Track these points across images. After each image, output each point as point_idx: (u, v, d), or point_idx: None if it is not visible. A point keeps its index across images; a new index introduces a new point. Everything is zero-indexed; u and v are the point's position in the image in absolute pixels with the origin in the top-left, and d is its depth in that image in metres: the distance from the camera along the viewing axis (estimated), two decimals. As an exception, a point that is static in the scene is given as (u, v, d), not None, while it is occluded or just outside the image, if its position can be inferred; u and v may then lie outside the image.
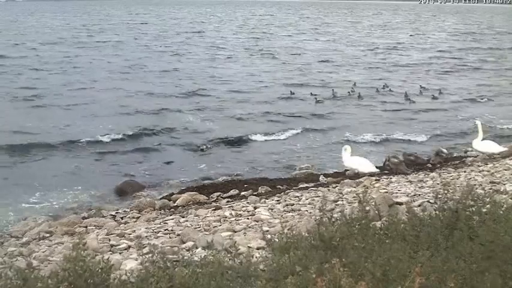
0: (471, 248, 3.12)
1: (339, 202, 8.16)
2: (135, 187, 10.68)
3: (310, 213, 7.48)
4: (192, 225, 7.56)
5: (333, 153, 12.99)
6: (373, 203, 5.10)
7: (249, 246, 5.41)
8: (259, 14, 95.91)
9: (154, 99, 19.90)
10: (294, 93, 21.22)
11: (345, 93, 21.20)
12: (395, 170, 10.80)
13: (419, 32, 57.55)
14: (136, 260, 5.62)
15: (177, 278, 2.90)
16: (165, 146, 13.80)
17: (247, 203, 8.80)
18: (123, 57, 31.68)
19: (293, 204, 8.36)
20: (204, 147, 13.75)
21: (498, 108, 19.22)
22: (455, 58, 34.45)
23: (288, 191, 9.67)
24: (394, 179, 10.07)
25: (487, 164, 10.80)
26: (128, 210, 9.36)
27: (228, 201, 9.25)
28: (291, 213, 7.81)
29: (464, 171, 10.21)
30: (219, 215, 8.04)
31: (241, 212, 8.16)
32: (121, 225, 8.23)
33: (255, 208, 8.32)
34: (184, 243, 6.50)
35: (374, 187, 9.22)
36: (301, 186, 10.15)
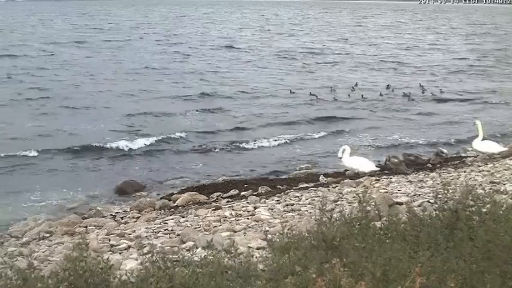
0: (471, 248, 3.12)
1: (339, 202, 8.16)
2: (135, 187, 10.68)
3: (310, 213, 7.48)
4: (192, 225, 7.56)
5: (333, 153, 12.97)
6: (373, 203, 5.11)
7: (249, 246, 5.41)
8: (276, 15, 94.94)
9: (156, 99, 19.88)
10: (294, 93, 21.23)
11: (345, 94, 21.19)
12: (395, 170, 10.79)
13: (435, 32, 57.37)
14: (136, 260, 5.63)
15: (177, 278, 2.90)
16: (165, 146, 13.79)
17: (247, 203, 8.80)
18: (131, 58, 31.61)
19: (293, 204, 8.36)
20: (205, 147, 13.74)
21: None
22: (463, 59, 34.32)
23: (288, 191, 9.66)
24: (394, 179, 10.07)
25: (487, 164, 10.80)
26: (128, 210, 9.36)
27: (228, 201, 9.25)
28: (291, 213, 7.81)
29: (464, 171, 10.21)
30: (219, 215, 8.04)
31: (241, 212, 8.16)
32: (121, 225, 8.23)
33: (255, 208, 8.32)
34: (184, 243, 6.50)
35: (374, 187, 9.22)
36: (301, 186, 10.15)
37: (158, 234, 7.25)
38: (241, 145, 14.08)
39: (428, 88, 22.64)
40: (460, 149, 13.67)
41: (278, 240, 3.38)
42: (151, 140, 14.35)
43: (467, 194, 3.62)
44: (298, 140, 14.77)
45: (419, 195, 8.24)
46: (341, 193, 8.92)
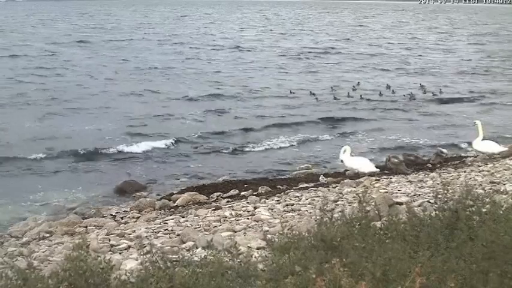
0: (471, 248, 3.12)
1: (339, 202, 8.15)
2: (135, 187, 10.68)
3: (310, 213, 7.48)
4: (192, 225, 7.56)
5: (333, 153, 12.98)
6: (373, 203, 5.11)
7: (249, 246, 5.41)
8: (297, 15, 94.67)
9: (158, 100, 19.89)
10: (293, 93, 21.23)
11: (346, 94, 21.20)
12: (395, 170, 10.79)
13: (437, 32, 57.24)
14: (136, 260, 5.62)
15: (177, 278, 2.90)
16: (165, 146, 13.79)
17: (247, 203, 8.80)
18: (134, 58, 31.57)
19: (293, 204, 8.36)
20: (205, 147, 13.74)
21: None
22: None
23: (288, 191, 9.66)
24: (394, 179, 10.06)
25: (487, 164, 10.80)
26: (128, 210, 9.36)
27: (228, 201, 9.25)
28: (291, 213, 7.80)
29: (464, 171, 10.21)
30: (219, 215, 8.04)
31: (241, 212, 8.16)
32: (121, 225, 8.23)
33: (255, 208, 8.32)
34: (184, 243, 6.50)
35: (374, 187, 9.22)
36: (301, 186, 10.15)
37: (158, 234, 7.25)
38: (241, 145, 14.08)
39: (429, 88, 22.63)
40: (460, 149, 13.67)
41: (278, 240, 3.38)
42: (152, 140, 14.36)
43: (467, 194, 3.62)
44: (298, 140, 14.76)
45: (419, 195, 8.24)
46: (341, 193, 8.92)
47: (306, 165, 12.12)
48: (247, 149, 13.79)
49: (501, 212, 3.47)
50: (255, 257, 3.45)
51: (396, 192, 8.58)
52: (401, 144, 14.45)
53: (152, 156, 12.99)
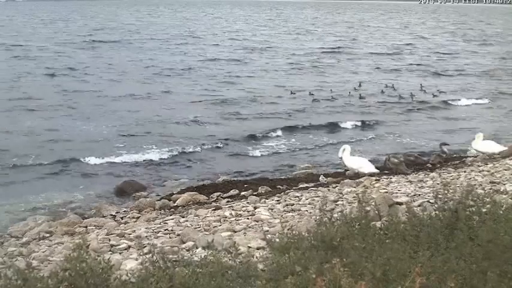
0: (471, 248, 3.12)
1: (339, 202, 8.15)
2: (135, 187, 10.67)
3: (310, 213, 7.47)
4: (192, 225, 7.56)
5: (333, 153, 12.98)
6: (373, 203, 5.11)
7: (249, 246, 5.41)
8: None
9: (158, 100, 19.89)
10: (294, 93, 21.23)
11: (347, 94, 21.21)
12: (395, 170, 10.79)
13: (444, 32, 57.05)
14: (136, 260, 5.62)
15: (177, 278, 2.90)
16: (165, 146, 13.79)
17: (247, 203, 8.79)
18: (139, 58, 31.58)
19: (293, 204, 8.36)
20: (205, 147, 13.74)
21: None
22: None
23: (288, 191, 9.65)
24: (394, 179, 10.06)
25: (487, 164, 10.79)
26: (128, 210, 9.35)
27: (228, 201, 9.24)
28: (291, 213, 7.80)
29: (464, 171, 10.20)
30: (219, 215, 8.03)
31: (241, 212, 8.16)
32: (121, 225, 8.23)
33: (255, 208, 8.31)
34: (184, 243, 6.50)
35: (374, 187, 9.22)
36: (301, 186, 10.14)
37: (158, 234, 7.24)
38: (241, 145, 14.08)
39: (430, 89, 22.63)
40: (460, 149, 13.67)
41: (278, 240, 3.38)
42: (152, 140, 14.37)
43: (467, 194, 3.62)
44: (298, 140, 14.78)
45: (419, 195, 8.23)
46: (341, 193, 8.91)
47: (306, 165, 12.12)
48: (247, 149, 13.79)
49: (501, 212, 3.47)
50: (255, 257, 3.45)
51: (396, 192, 8.58)
52: (402, 144, 14.46)
53: (152, 156, 12.98)
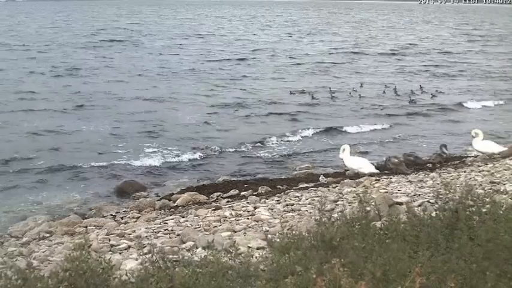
0: (471, 248, 3.12)
1: (339, 202, 8.15)
2: (135, 187, 10.67)
3: (310, 213, 7.47)
4: (192, 225, 7.56)
5: (332, 153, 12.99)
6: (373, 203, 5.11)
7: (249, 246, 5.41)
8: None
9: (158, 100, 19.88)
10: (293, 93, 21.23)
11: (348, 94, 21.21)
12: (395, 170, 10.79)
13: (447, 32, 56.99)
14: (136, 260, 5.62)
15: (177, 278, 2.90)
16: (165, 146, 13.79)
17: (247, 203, 8.79)
18: (141, 60, 31.50)
19: (293, 204, 8.36)
20: (205, 147, 13.74)
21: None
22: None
23: (288, 191, 9.66)
24: (394, 179, 10.06)
25: (487, 164, 10.79)
26: (128, 210, 9.36)
27: (228, 201, 9.24)
28: (291, 213, 7.80)
29: (464, 171, 10.20)
30: (219, 215, 8.03)
31: (241, 212, 8.16)
32: (121, 225, 8.23)
33: (255, 208, 8.32)
34: (184, 243, 6.50)
35: (374, 187, 9.22)
36: (301, 186, 10.14)
37: (158, 234, 7.25)
38: (241, 145, 14.07)
39: (430, 90, 22.62)
40: (460, 149, 13.66)
41: (278, 240, 3.38)
42: (152, 140, 14.38)
43: (468, 194, 3.63)
44: (298, 140, 14.78)
45: (419, 195, 8.23)
46: (341, 193, 8.91)
47: (306, 165, 12.12)
48: (247, 149, 13.78)
49: (501, 212, 3.47)
50: (255, 257, 3.45)
51: (396, 192, 8.58)
52: (402, 144, 14.45)
53: (152, 156, 12.98)
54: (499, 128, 15.88)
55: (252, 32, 54.52)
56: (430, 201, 6.53)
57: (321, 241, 3.24)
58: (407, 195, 8.22)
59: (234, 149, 13.71)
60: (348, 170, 10.91)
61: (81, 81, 23.56)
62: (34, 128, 15.32)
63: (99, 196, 10.36)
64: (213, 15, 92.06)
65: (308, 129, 15.96)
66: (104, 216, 8.92)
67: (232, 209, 8.36)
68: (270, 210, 8.12)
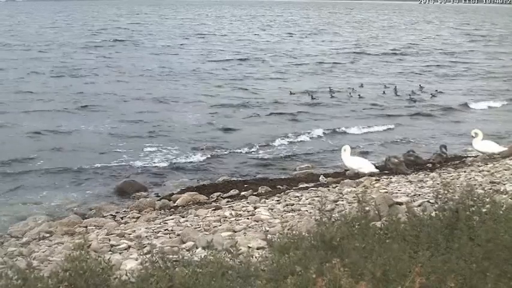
0: (471, 248, 3.12)
1: (339, 202, 8.15)
2: (135, 187, 10.67)
3: (310, 213, 7.47)
4: (192, 225, 7.56)
5: (332, 153, 12.99)
6: (373, 203, 5.11)
7: (249, 246, 5.41)
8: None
9: (158, 100, 19.87)
10: (293, 94, 21.24)
11: (345, 94, 21.20)
12: (395, 170, 10.79)
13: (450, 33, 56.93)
14: (136, 260, 5.62)
15: (177, 278, 2.90)
16: (165, 146, 13.79)
17: (247, 203, 8.79)
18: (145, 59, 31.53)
19: (293, 204, 8.36)
20: (204, 147, 13.74)
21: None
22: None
23: (288, 191, 9.66)
24: (394, 179, 10.06)
25: (487, 164, 10.80)
26: (128, 210, 9.36)
27: (228, 201, 9.25)
28: (291, 213, 7.80)
29: (464, 171, 10.21)
30: (219, 215, 8.04)
31: (241, 212, 8.16)
32: (121, 225, 8.23)
33: (255, 208, 8.32)
34: (184, 243, 6.50)
35: (374, 187, 9.22)
36: (301, 186, 10.15)
37: (158, 234, 7.25)
38: (241, 145, 14.08)
39: (429, 89, 22.63)
40: (460, 149, 13.66)
41: (278, 240, 3.38)
42: (152, 140, 14.38)
43: (468, 194, 3.62)
44: (298, 140, 14.78)
45: (419, 195, 8.24)
46: (341, 193, 8.91)
47: (306, 165, 12.12)
48: (247, 149, 13.78)
49: (501, 212, 3.47)
50: (255, 257, 3.45)
51: (396, 192, 8.58)
52: (401, 144, 14.45)
53: (152, 157, 12.99)
54: (499, 128, 15.88)
55: (253, 32, 54.51)
56: (430, 201, 6.53)
57: (321, 241, 3.24)
58: (407, 195, 8.22)
59: (234, 149, 13.71)
60: (348, 170, 10.91)
61: (81, 82, 23.56)
62: (34, 128, 15.31)
63: (99, 196, 10.36)
64: (213, 15, 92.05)
65: (308, 129, 15.96)
66: (104, 216, 8.92)
67: (232, 209, 8.36)
68: (270, 210, 8.12)
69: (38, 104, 18.77)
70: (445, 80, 26.35)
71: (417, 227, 3.52)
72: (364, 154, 12.85)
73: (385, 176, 10.36)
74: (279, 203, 8.56)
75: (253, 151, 13.66)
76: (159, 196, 10.22)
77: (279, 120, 17.11)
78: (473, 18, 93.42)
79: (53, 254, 6.76)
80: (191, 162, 12.66)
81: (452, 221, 3.50)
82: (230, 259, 3.16)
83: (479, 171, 10.02)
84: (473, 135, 11.55)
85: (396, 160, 11.12)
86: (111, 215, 9.07)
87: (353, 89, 22.22)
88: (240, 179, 11.21)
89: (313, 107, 19.26)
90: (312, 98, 20.34)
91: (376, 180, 9.93)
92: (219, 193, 9.96)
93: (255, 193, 9.73)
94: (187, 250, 5.92)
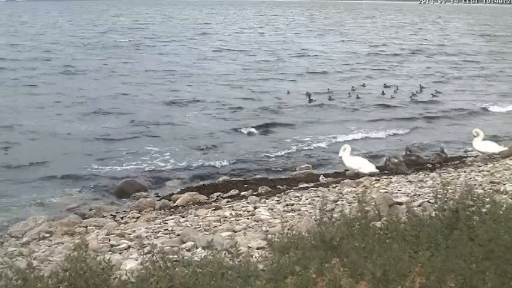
0: (471, 248, 3.12)
1: (339, 202, 8.15)
2: (135, 187, 10.67)
3: (310, 213, 7.47)
4: (192, 225, 7.56)
5: (332, 153, 12.98)
6: (373, 203, 5.11)
7: (249, 246, 5.41)
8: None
9: (159, 101, 19.88)
10: (290, 93, 21.24)
11: (348, 95, 21.20)
12: (395, 170, 10.79)
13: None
14: (136, 260, 5.63)
15: (177, 278, 2.90)
16: (165, 146, 13.79)
17: (247, 203, 8.79)
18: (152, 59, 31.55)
19: (293, 204, 8.36)
20: (205, 147, 13.75)
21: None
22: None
23: (288, 191, 9.66)
24: (394, 179, 10.06)
25: (487, 164, 10.80)
26: (128, 210, 9.36)
27: (228, 201, 9.25)
28: (291, 213, 7.80)
29: (464, 171, 10.21)
30: (219, 215, 8.04)
31: (241, 212, 8.16)
32: (121, 225, 8.23)
33: (255, 208, 8.32)
34: (184, 243, 6.50)
35: (374, 187, 9.22)
36: (301, 186, 10.15)
37: (158, 234, 7.25)
38: (241, 145, 14.09)
39: (429, 89, 22.61)
40: (460, 149, 13.66)
41: (278, 240, 3.38)
42: (152, 140, 14.38)
43: (468, 194, 3.62)
44: (298, 140, 14.77)
45: (419, 195, 8.23)
46: (341, 193, 8.91)
47: (306, 165, 12.12)
48: (247, 149, 13.78)
49: (501, 212, 3.47)
50: (255, 257, 3.45)
51: (396, 192, 8.58)
52: (401, 144, 14.45)
53: (152, 156, 12.99)
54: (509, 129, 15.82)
55: (259, 31, 54.43)
56: (430, 201, 6.53)
57: (321, 241, 3.24)
58: (407, 195, 8.22)
59: (234, 149, 13.71)
60: (348, 170, 10.91)
61: (82, 82, 23.55)
62: (34, 128, 15.32)
63: (99, 196, 10.36)
64: (220, 15, 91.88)
65: (308, 129, 15.97)
66: (104, 216, 8.92)
67: (232, 209, 8.36)
68: (270, 210, 8.12)
69: (37, 103, 18.76)
70: (453, 81, 26.21)
71: (417, 227, 3.52)
72: (364, 154, 12.85)
73: (385, 176, 10.36)
74: (279, 203, 8.56)
75: (253, 151, 13.65)
76: (159, 196, 10.22)
77: (279, 120, 17.09)
78: (479, 19, 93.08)
79: (53, 254, 6.76)
80: (191, 162, 12.66)
81: (452, 221, 3.50)
82: (230, 259, 3.16)
83: (479, 171, 10.02)
84: (475, 134, 11.54)
85: (396, 160, 11.13)
86: (111, 215, 9.07)
87: (352, 87, 22.21)
88: (240, 179, 11.21)
89: (312, 106, 19.25)
90: (310, 100, 20.05)
91: (376, 180, 9.93)
92: (219, 193, 9.96)
93: (255, 193, 9.73)
94: (187, 250, 5.92)
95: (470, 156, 12.24)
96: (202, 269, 3.04)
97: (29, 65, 27.97)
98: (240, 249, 3.24)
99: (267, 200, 8.92)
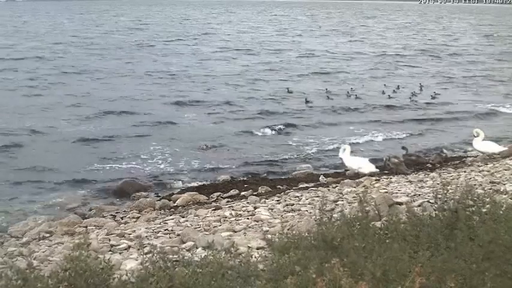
0: (471, 248, 3.12)
1: (339, 202, 8.16)
2: (135, 187, 10.67)
3: (310, 213, 7.47)
4: (192, 225, 7.56)
5: (333, 153, 12.98)
6: (373, 203, 5.11)
7: (249, 246, 5.41)
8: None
9: (159, 101, 19.88)
10: (291, 92, 21.24)
11: (343, 95, 21.20)
12: (395, 170, 10.79)
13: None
14: (136, 260, 5.63)
15: (177, 278, 2.90)
16: (165, 146, 13.79)
17: (247, 203, 8.80)
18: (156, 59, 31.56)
19: (293, 204, 8.36)
20: (205, 147, 13.75)
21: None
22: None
23: (288, 191, 9.66)
24: (394, 179, 10.06)
25: (487, 164, 10.80)
26: (128, 210, 9.36)
27: (228, 201, 9.25)
28: (291, 213, 7.80)
29: (464, 171, 10.21)
30: (219, 215, 8.04)
31: (241, 212, 8.16)
32: (121, 225, 8.23)
33: (255, 208, 8.32)
34: (184, 243, 6.50)
35: (374, 187, 9.22)
36: (301, 186, 10.15)
37: (158, 234, 7.25)
38: (241, 145, 14.09)
39: (429, 89, 22.60)
40: (460, 149, 13.66)
41: (278, 240, 3.38)
42: (152, 140, 14.38)
43: (468, 194, 3.63)
44: (298, 140, 14.78)
45: (419, 195, 8.23)
46: (341, 193, 8.92)
47: (306, 165, 12.12)
48: (247, 149, 13.78)
49: (501, 212, 3.47)
50: (255, 257, 3.45)
51: (396, 192, 8.58)
52: (402, 144, 14.43)
53: (152, 156, 12.99)
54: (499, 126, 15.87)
55: (261, 31, 54.38)
56: (430, 201, 6.53)
57: (321, 241, 3.24)
58: (407, 195, 8.22)
59: (234, 149, 13.72)
60: (348, 170, 10.91)
61: (83, 82, 23.55)
62: (34, 128, 15.31)
63: (99, 196, 10.36)
64: (223, 15, 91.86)
65: (308, 129, 15.97)
66: (104, 216, 8.92)
67: (232, 209, 8.36)
68: (270, 210, 8.12)
69: (37, 103, 18.77)
70: (456, 82, 26.15)
71: (417, 227, 3.52)
72: (364, 154, 12.84)
73: (385, 176, 10.36)
74: (279, 203, 8.56)
75: (253, 151, 13.65)
76: (159, 196, 10.22)
77: (279, 120, 17.08)
78: (483, 19, 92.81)
79: (53, 254, 6.76)
80: (191, 162, 12.66)
81: (452, 221, 3.51)
82: (230, 259, 3.16)
83: (479, 171, 10.02)
84: (475, 134, 11.53)
85: (396, 160, 11.12)
86: (111, 215, 9.07)
87: (351, 88, 22.22)
88: (240, 179, 11.22)
89: (311, 106, 19.24)
90: (306, 102, 19.98)
91: (376, 180, 9.93)
92: (219, 193, 9.96)
93: (255, 193, 9.73)
94: (187, 250, 5.92)
95: (470, 156, 12.24)
96: (202, 269, 3.04)
97: (29, 65, 27.96)
98: (240, 249, 3.25)
99: (267, 200, 8.92)
